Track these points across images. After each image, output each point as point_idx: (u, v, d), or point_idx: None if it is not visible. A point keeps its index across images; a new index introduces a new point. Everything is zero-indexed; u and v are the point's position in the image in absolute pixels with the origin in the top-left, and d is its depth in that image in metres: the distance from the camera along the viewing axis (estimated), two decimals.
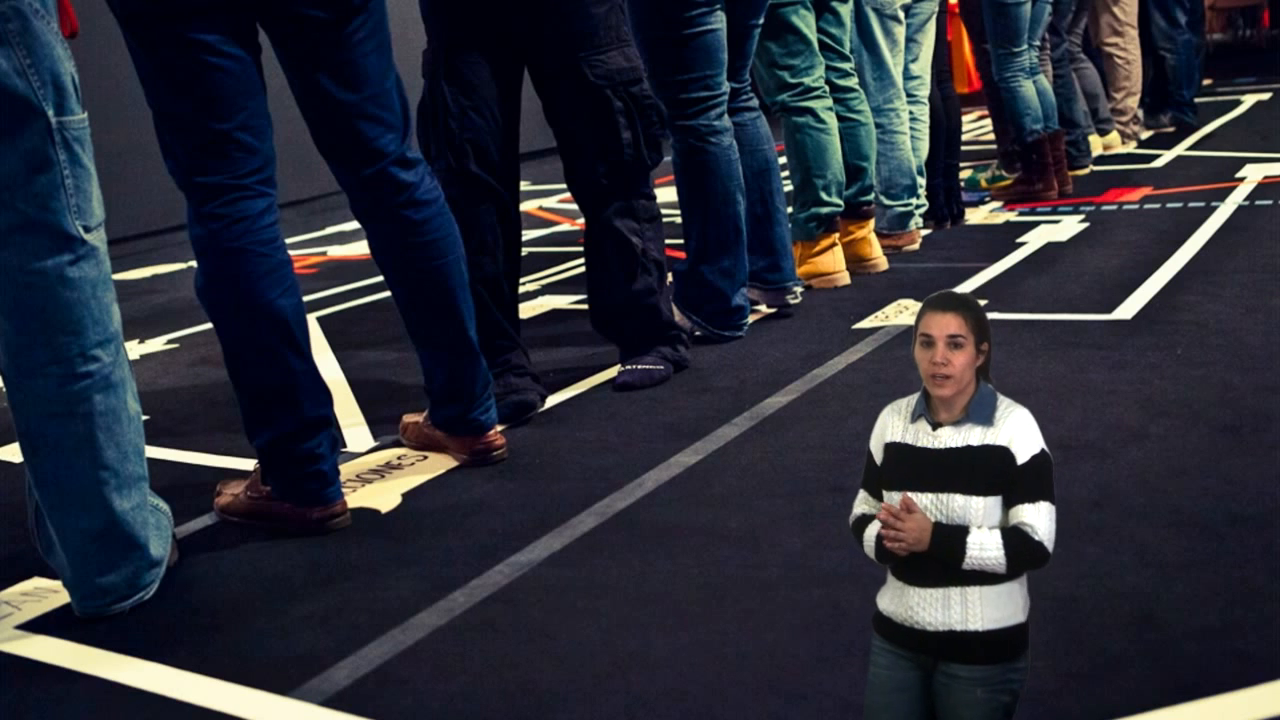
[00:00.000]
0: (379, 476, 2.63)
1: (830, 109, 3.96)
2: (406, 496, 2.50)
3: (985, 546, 1.20)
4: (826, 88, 3.96)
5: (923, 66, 4.66)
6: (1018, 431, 1.23)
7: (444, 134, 2.84)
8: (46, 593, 2.20)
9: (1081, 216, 4.94)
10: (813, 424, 2.71)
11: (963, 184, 5.34)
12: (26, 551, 2.26)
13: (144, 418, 2.67)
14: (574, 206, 5.29)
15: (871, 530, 1.27)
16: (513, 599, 2.00)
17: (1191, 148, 6.66)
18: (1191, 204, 4.99)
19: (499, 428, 2.70)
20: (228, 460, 2.85)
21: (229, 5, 2.21)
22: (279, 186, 2.37)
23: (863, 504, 1.31)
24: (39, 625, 2.08)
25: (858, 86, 4.22)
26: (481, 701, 1.70)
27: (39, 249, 1.96)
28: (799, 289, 3.72)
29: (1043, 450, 1.23)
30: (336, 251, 5.89)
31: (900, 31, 4.46)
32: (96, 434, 2.02)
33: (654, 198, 3.09)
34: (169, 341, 4.21)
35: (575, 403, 3.05)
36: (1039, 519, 1.21)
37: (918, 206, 4.59)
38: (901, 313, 3.59)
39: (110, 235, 2.12)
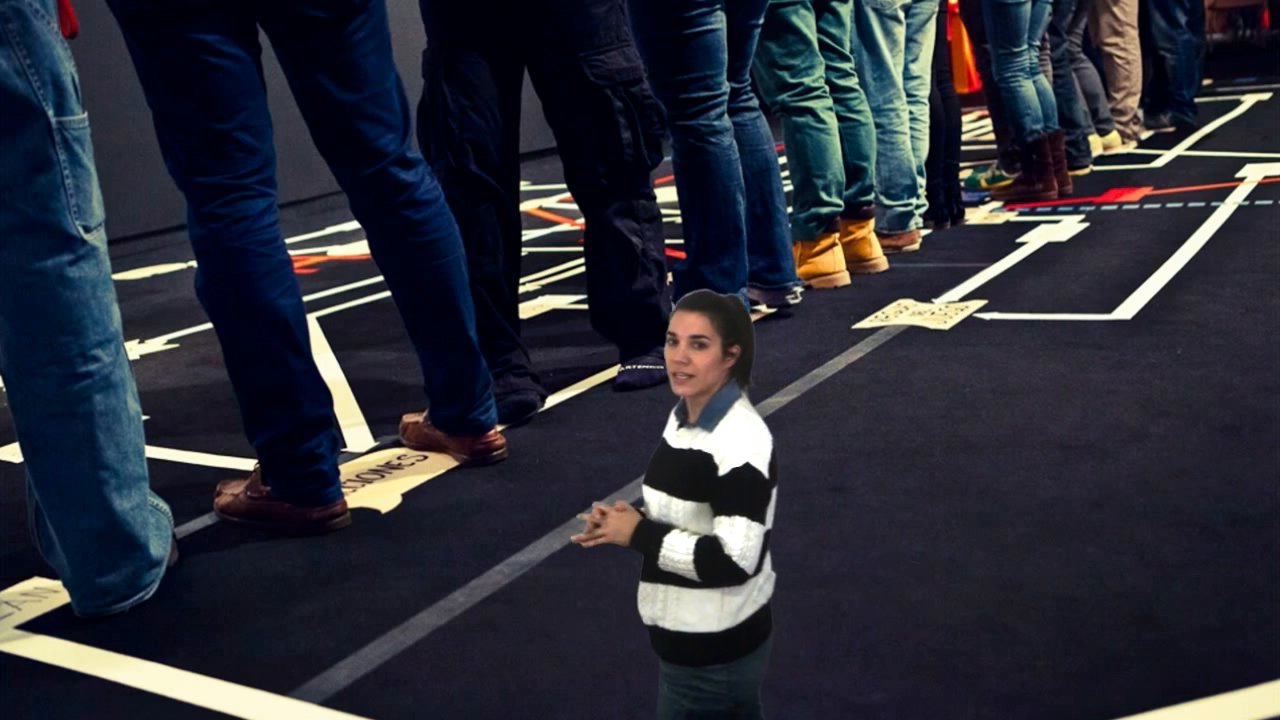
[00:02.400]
0: (379, 476, 2.63)
1: (830, 109, 3.96)
2: (406, 496, 2.50)
3: (675, 549, 1.19)
4: (826, 88, 3.96)
5: (923, 66, 4.66)
6: (728, 442, 1.19)
7: (444, 134, 2.84)
8: (46, 593, 2.20)
9: (1081, 216, 4.94)
10: (813, 424, 2.71)
11: (963, 184, 5.34)
12: (26, 551, 2.26)
13: (144, 418, 2.67)
14: (574, 206, 5.29)
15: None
16: (513, 599, 2.00)
17: (1191, 148, 6.67)
18: (1191, 204, 4.99)
19: (499, 428, 2.70)
20: (228, 460, 2.85)
21: (229, 5, 2.21)
22: (279, 186, 2.37)
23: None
24: (39, 625, 2.08)
25: (858, 86, 4.22)
26: (481, 701, 1.70)
27: (39, 249, 1.96)
28: (799, 289, 3.72)
29: (747, 465, 1.18)
30: (336, 251, 5.89)
31: (900, 31, 4.46)
32: (96, 434, 2.02)
33: (654, 198, 3.09)
34: (169, 341, 4.21)
35: (575, 403, 3.05)
36: (732, 534, 1.18)
37: (918, 206, 4.59)
38: (901, 313, 3.59)
39: (110, 235, 2.12)
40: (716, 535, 1.18)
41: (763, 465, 1.19)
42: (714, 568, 1.18)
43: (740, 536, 1.18)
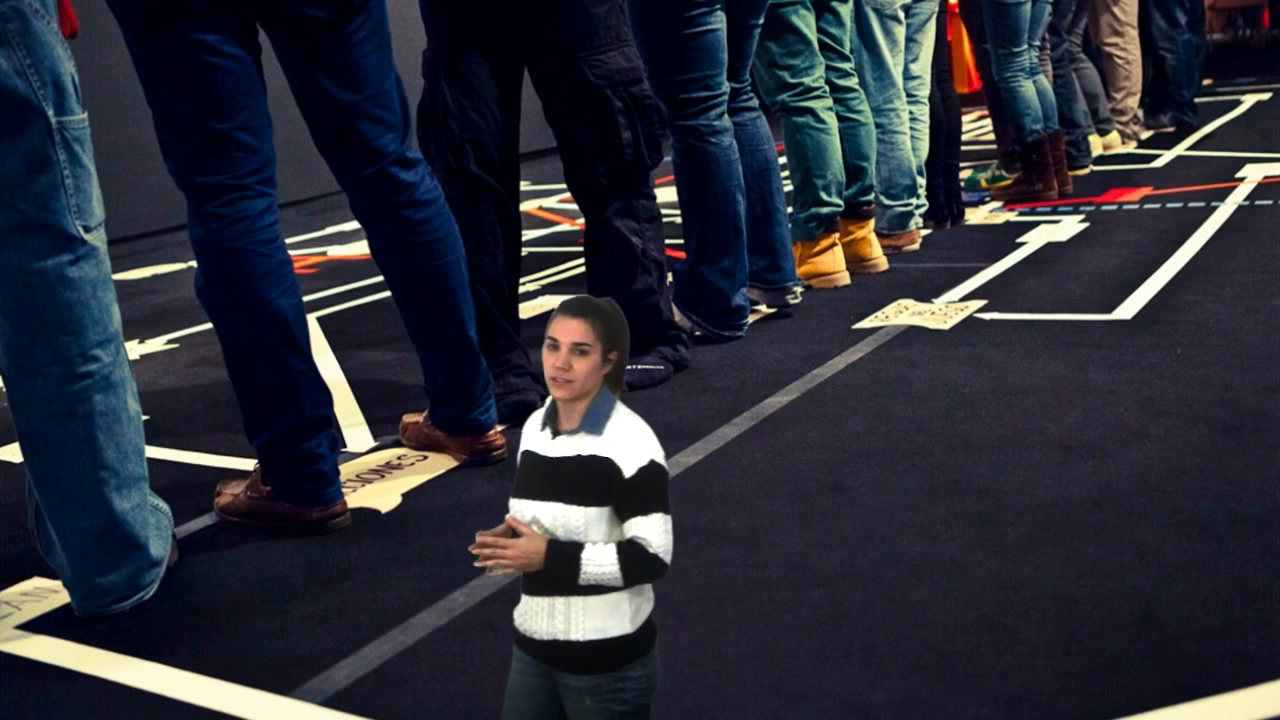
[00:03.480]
0: (379, 476, 2.63)
1: (830, 109, 3.96)
2: (406, 496, 2.50)
3: (600, 563, 1.19)
4: (826, 88, 3.96)
5: (923, 66, 4.67)
6: (625, 443, 1.20)
7: (444, 134, 2.84)
8: (46, 593, 2.20)
9: (1081, 216, 4.94)
10: (813, 424, 2.71)
11: (963, 184, 5.34)
12: (26, 551, 2.26)
13: (144, 418, 2.67)
14: (574, 206, 5.29)
15: None
16: (513, 599, 1.98)
17: (1191, 148, 6.67)
18: (1191, 204, 4.99)
19: (499, 428, 2.70)
20: (228, 460, 2.85)
21: (229, 5, 2.21)
22: (279, 186, 2.37)
23: (512, 512, 1.28)
24: (39, 625, 2.08)
25: (858, 86, 4.22)
26: (481, 701, 1.70)
27: (39, 249, 1.96)
28: (799, 289, 3.72)
29: (652, 461, 1.20)
30: (336, 251, 5.89)
31: (900, 31, 4.46)
32: (96, 434, 2.02)
33: (654, 198, 3.09)
34: (169, 341, 4.21)
35: None
36: (652, 531, 1.19)
37: (918, 206, 4.59)
38: (901, 313, 3.59)
39: (110, 235, 2.12)
40: (636, 536, 1.19)
41: (663, 460, 1.21)
42: (641, 569, 1.19)
43: (660, 532, 1.20)
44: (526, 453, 1.26)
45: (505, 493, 2.65)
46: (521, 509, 1.23)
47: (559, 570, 1.19)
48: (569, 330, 1.20)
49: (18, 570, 2.29)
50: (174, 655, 1.92)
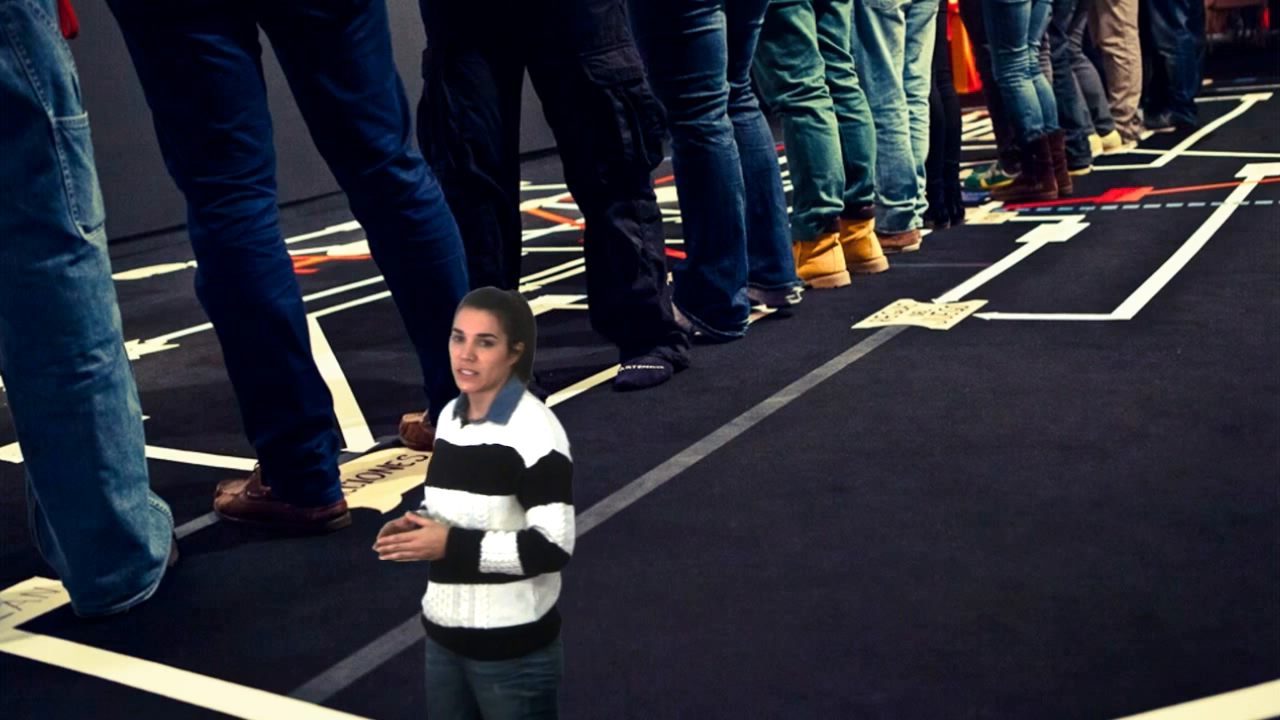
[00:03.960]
0: (379, 476, 2.63)
1: (830, 109, 3.96)
2: (406, 496, 2.50)
3: (500, 551, 1.20)
4: (826, 88, 3.96)
5: (923, 66, 4.66)
6: (527, 433, 1.21)
7: (444, 134, 2.84)
8: (46, 593, 2.20)
9: (1081, 216, 4.94)
10: (813, 424, 2.71)
11: (963, 184, 5.34)
12: (26, 551, 2.26)
13: (144, 418, 2.67)
14: (574, 206, 5.29)
15: None
16: None
17: (1191, 148, 6.67)
18: (1191, 204, 4.99)
19: None
20: (228, 460, 2.85)
21: (229, 5, 2.21)
22: (279, 186, 2.37)
23: (427, 500, 1.30)
24: (39, 625, 2.08)
25: (858, 86, 4.22)
26: None
27: (39, 249, 1.96)
28: (799, 289, 3.72)
29: (553, 452, 1.21)
30: (336, 251, 5.89)
31: (900, 31, 4.46)
32: (96, 434, 2.02)
33: (654, 198, 3.09)
34: (169, 341, 4.21)
35: (575, 403, 3.05)
36: (552, 521, 1.20)
37: (918, 206, 4.59)
38: (901, 313, 3.59)
39: (110, 235, 2.12)
40: (535, 525, 1.20)
41: (565, 450, 1.22)
42: (541, 558, 1.21)
43: (560, 521, 1.20)
44: (439, 441, 1.28)
45: None
46: (430, 497, 1.25)
47: (460, 558, 1.21)
48: (474, 322, 1.22)
49: (18, 570, 2.29)
50: (174, 655, 1.92)
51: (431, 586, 1.26)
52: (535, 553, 1.20)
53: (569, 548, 1.21)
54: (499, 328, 1.22)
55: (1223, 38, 12.65)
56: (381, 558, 1.23)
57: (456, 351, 1.22)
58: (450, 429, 1.27)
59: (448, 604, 1.24)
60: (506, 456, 1.21)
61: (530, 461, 1.21)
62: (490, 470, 1.21)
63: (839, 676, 1.67)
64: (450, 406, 1.29)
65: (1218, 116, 7.74)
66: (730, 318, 3.45)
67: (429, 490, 1.26)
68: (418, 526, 1.22)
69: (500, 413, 1.23)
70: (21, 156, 1.93)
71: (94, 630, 2.04)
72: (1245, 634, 1.70)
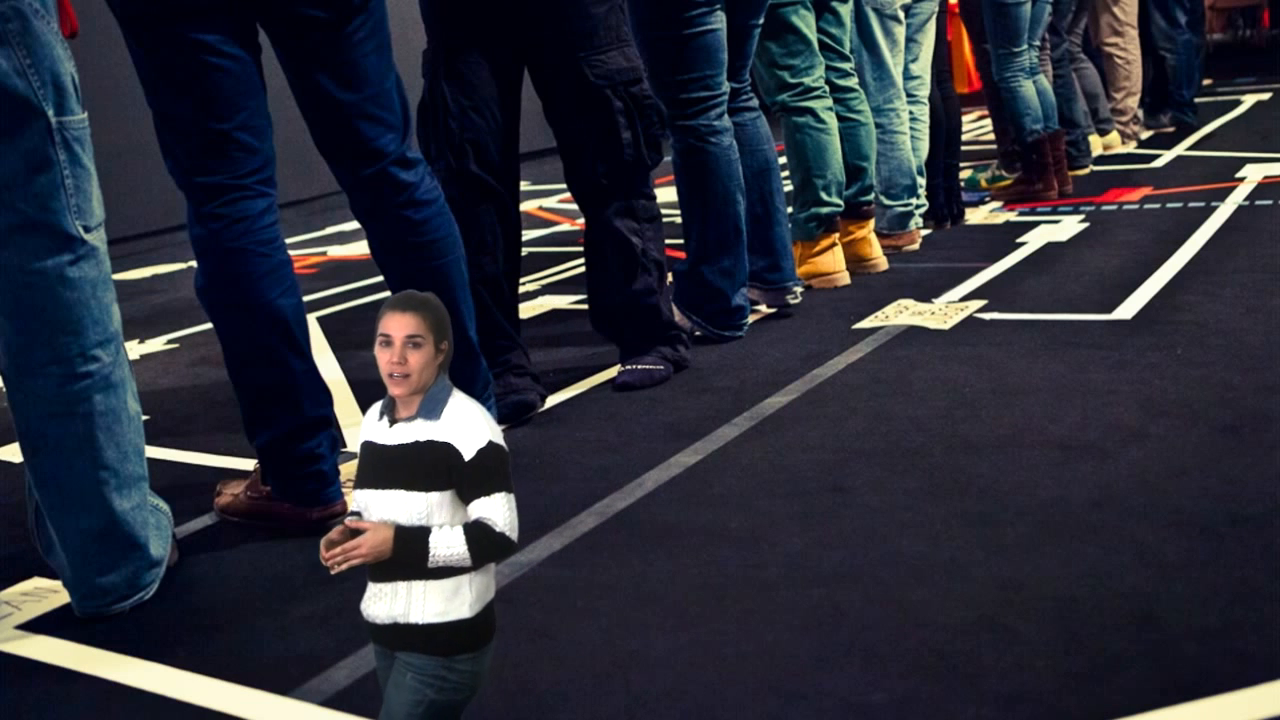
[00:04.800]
0: None
1: (830, 109, 3.96)
2: None
3: (449, 545, 1.21)
4: (826, 88, 3.96)
5: (923, 66, 4.67)
6: (462, 427, 1.23)
7: (444, 134, 2.84)
8: (46, 593, 2.20)
9: (1081, 216, 4.94)
10: (813, 424, 2.71)
11: (963, 184, 5.34)
12: (26, 551, 2.26)
13: (144, 418, 2.67)
14: (574, 206, 5.29)
15: None
16: (513, 599, 2.00)
17: (1191, 148, 6.67)
18: (1191, 204, 4.99)
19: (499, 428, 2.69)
20: (228, 460, 2.85)
21: (229, 5, 2.21)
22: (279, 186, 2.37)
23: (353, 503, 1.31)
24: (39, 625, 2.08)
25: (858, 86, 4.22)
26: (481, 701, 1.70)
27: (39, 249, 1.96)
28: (799, 289, 3.72)
29: (490, 443, 1.23)
30: (336, 251, 5.89)
31: (900, 31, 4.46)
32: (96, 434, 2.02)
33: (654, 198, 3.09)
34: (169, 341, 4.21)
35: (575, 403, 3.05)
36: (496, 510, 1.22)
37: (918, 206, 4.59)
38: (901, 313, 3.59)
39: (110, 235, 2.12)
40: (482, 517, 1.21)
41: (501, 440, 1.24)
42: (489, 549, 1.22)
43: (504, 510, 1.22)
44: (366, 443, 1.28)
45: None
46: (363, 499, 1.26)
47: (409, 557, 1.22)
48: (402, 324, 1.22)
49: (18, 570, 2.29)
50: (174, 655, 1.92)
51: (370, 586, 1.27)
52: (484, 543, 1.22)
53: (515, 535, 1.23)
54: (426, 328, 1.23)
55: (1223, 38, 12.65)
56: (332, 572, 1.24)
57: (386, 356, 1.22)
58: (378, 430, 1.27)
59: (385, 600, 1.25)
60: (444, 452, 1.22)
61: (469, 455, 1.22)
62: (427, 467, 1.22)
63: (839, 676, 1.67)
64: (375, 408, 1.29)
65: (1218, 116, 7.74)
66: (730, 318, 3.45)
67: (360, 493, 1.26)
68: (357, 532, 1.22)
69: (431, 409, 1.24)
70: (21, 156, 1.93)
71: (94, 630, 2.04)
72: (1245, 634, 1.70)
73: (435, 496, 1.23)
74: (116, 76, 4.01)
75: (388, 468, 1.24)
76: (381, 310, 1.24)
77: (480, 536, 1.22)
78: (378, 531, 1.22)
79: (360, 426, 1.30)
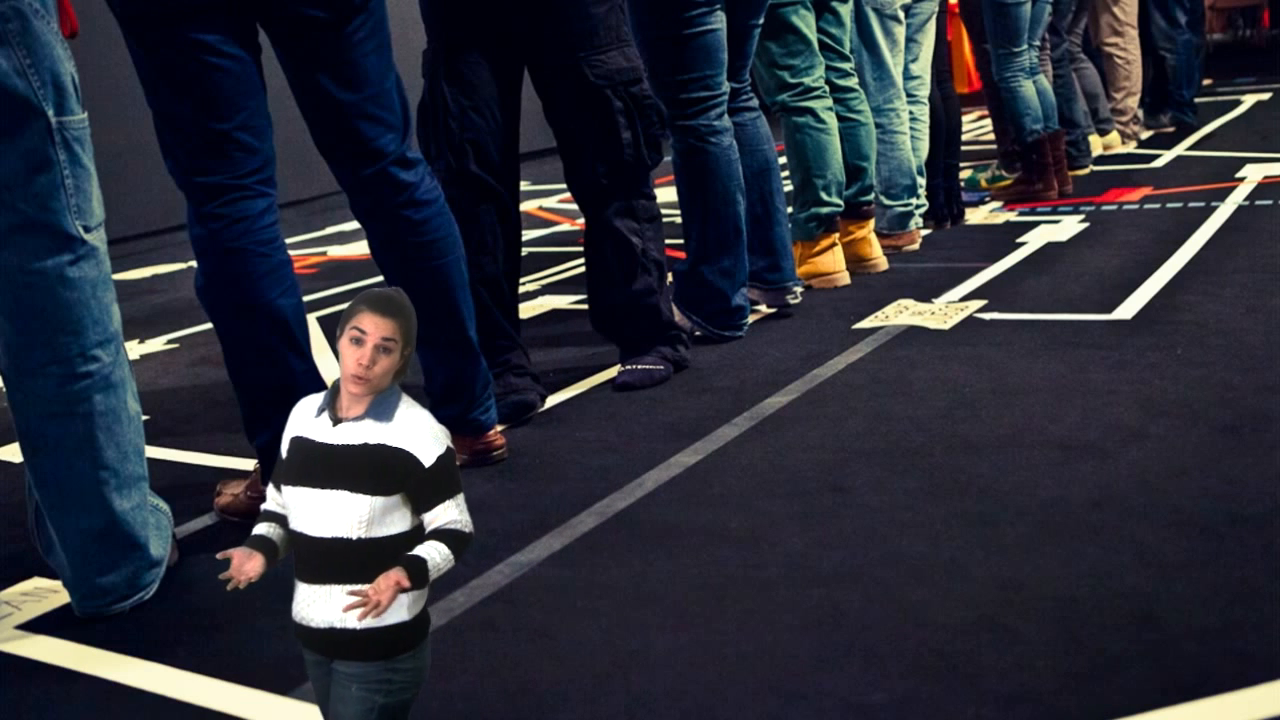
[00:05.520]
0: None
1: (830, 109, 3.96)
2: None
3: (443, 555, 1.22)
4: (826, 88, 3.96)
5: (923, 66, 4.67)
6: (418, 434, 1.22)
7: (444, 134, 2.84)
8: (46, 593, 2.20)
9: (1081, 216, 4.94)
10: (813, 424, 2.71)
11: (963, 184, 5.34)
12: (26, 551, 2.26)
13: (144, 418, 2.67)
14: (574, 206, 5.29)
15: (255, 530, 1.27)
16: (513, 599, 2.00)
17: (1191, 148, 6.67)
18: (1191, 204, 4.99)
19: (499, 428, 2.70)
20: (228, 460, 2.85)
21: (229, 6, 2.21)
22: (279, 186, 2.37)
23: (269, 500, 1.29)
24: (39, 625, 2.08)
25: (858, 86, 4.22)
26: (481, 701, 1.70)
27: (39, 249, 1.96)
28: (799, 289, 3.72)
29: (447, 449, 1.23)
30: (336, 251, 5.89)
31: (900, 31, 4.46)
32: (96, 434, 2.02)
33: (654, 198, 3.09)
34: (169, 341, 4.21)
35: (575, 403, 3.05)
36: (459, 512, 1.24)
37: (918, 206, 4.59)
38: (901, 313, 3.59)
39: (110, 235, 2.12)
40: (451, 520, 1.23)
41: (450, 443, 1.25)
42: (463, 550, 1.24)
43: (463, 510, 1.24)
44: (299, 439, 1.25)
45: (505, 493, 2.67)
46: (294, 496, 1.23)
47: (424, 583, 1.21)
48: (378, 327, 1.21)
49: (18, 570, 2.29)
50: (174, 655, 1.92)
51: (302, 588, 1.25)
52: (459, 545, 1.23)
53: (472, 530, 1.25)
54: (400, 335, 1.22)
55: (1223, 38, 12.65)
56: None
57: (355, 354, 1.21)
58: (316, 426, 1.24)
59: (320, 604, 1.24)
60: (400, 458, 1.21)
61: (429, 462, 1.22)
62: (378, 471, 1.21)
63: (839, 676, 1.67)
64: (310, 402, 1.26)
65: (1218, 116, 7.74)
66: (730, 318, 3.45)
67: (290, 491, 1.24)
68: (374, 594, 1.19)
69: (382, 412, 1.22)
70: (21, 156, 1.93)
71: (94, 630, 2.04)
72: (1245, 634, 1.70)
73: (380, 501, 1.21)
74: (116, 76, 4.01)
75: (329, 467, 1.22)
76: (356, 305, 1.22)
77: (457, 543, 1.22)
78: (387, 577, 1.19)
79: (292, 420, 1.27)
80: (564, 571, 2.09)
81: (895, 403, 2.79)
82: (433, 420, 1.24)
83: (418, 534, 1.24)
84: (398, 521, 1.22)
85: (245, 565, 1.22)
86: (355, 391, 1.22)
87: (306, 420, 1.25)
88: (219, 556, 1.24)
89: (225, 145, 2.24)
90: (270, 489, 1.28)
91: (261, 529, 1.28)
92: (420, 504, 1.22)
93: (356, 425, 1.22)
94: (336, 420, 1.23)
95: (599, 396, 3.08)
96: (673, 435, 2.71)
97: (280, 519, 1.28)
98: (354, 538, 1.21)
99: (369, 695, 1.25)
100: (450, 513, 1.23)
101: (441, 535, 1.22)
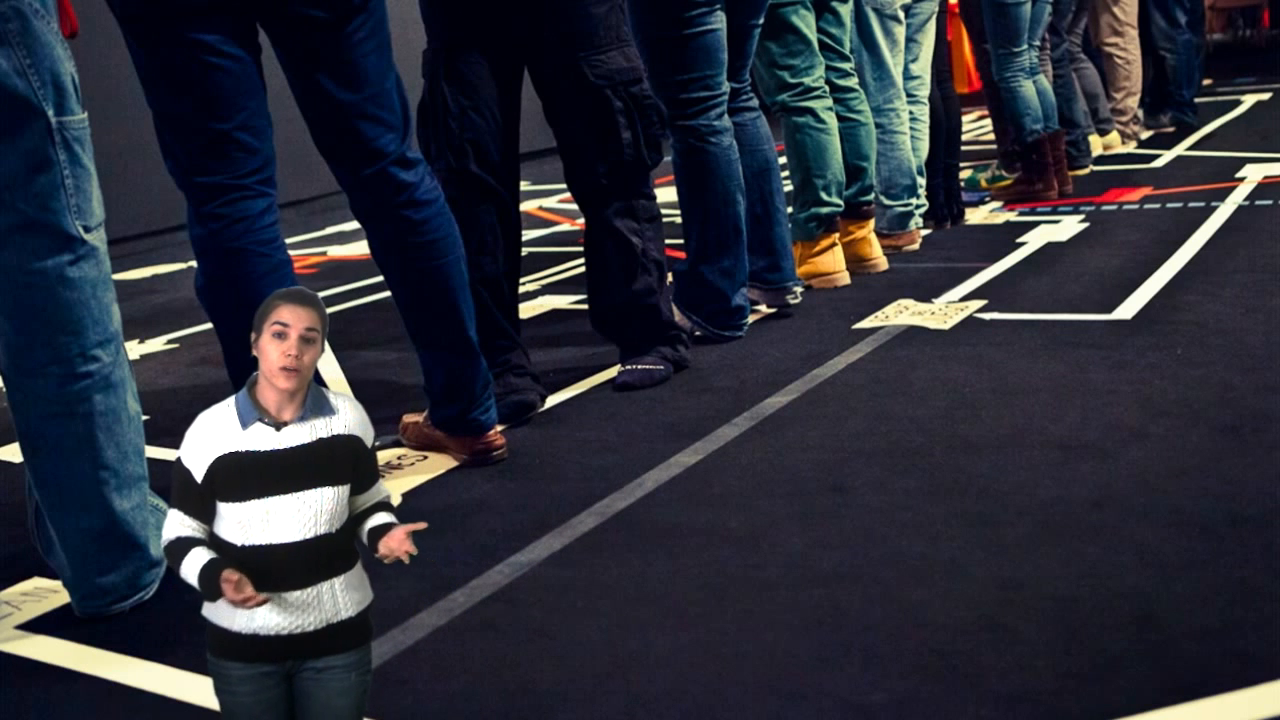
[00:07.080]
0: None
1: (830, 109, 3.96)
2: (406, 496, 2.50)
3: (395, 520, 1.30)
4: (826, 88, 3.96)
5: (923, 66, 4.66)
6: (360, 419, 1.28)
7: (444, 134, 2.84)
8: (46, 593, 2.20)
9: (1081, 216, 4.94)
10: (813, 424, 2.71)
11: (963, 184, 5.34)
12: (26, 551, 2.26)
13: (144, 418, 2.67)
14: (574, 206, 5.29)
15: (198, 558, 1.21)
16: (513, 599, 2.00)
17: (1191, 148, 6.67)
18: (1191, 204, 4.99)
19: (499, 428, 2.70)
20: None
21: (229, 5, 2.21)
22: (279, 186, 2.37)
23: (181, 527, 1.23)
24: (39, 625, 2.08)
25: (858, 86, 4.22)
26: (481, 701, 1.70)
27: (39, 249, 1.96)
28: (799, 289, 3.72)
29: (372, 428, 1.30)
30: (336, 251, 5.89)
31: (900, 31, 4.46)
32: (96, 434, 2.02)
33: (654, 198, 3.09)
34: (169, 341, 4.22)
35: (575, 403, 3.05)
36: (383, 483, 1.32)
37: (918, 206, 4.59)
38: (901, 313, 3.59)
39: (110, 235, 2.12)
40: (385, 495, 1.31)
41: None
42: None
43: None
44: (235, 455, 1.22)
45: (506, 493, 2.67)
46: (267, 506, 1.22)
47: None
48: (299, 317, 1.22)
49: (18, 570, 2.29)
50: (174, 655, 1.92)
51: (289, 597, 1.23)
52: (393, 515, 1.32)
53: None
54: (320, 324, 1.24)
55: (1223, 38, 12.65)
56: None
57: (281, 348, 1.21)
58: (252, 439, 1.22)
59: (312, 609, 1.25)
60: (353, 444, 1.26)
61: (370, 442, 1.28)
62: (341, 460, 1.25)
63: (839, 676, 1.67)
64: (222, 419, 1.23)
65: (1218, 116, 7.74)
66: (730, 318, 3.45)
67: (253, 504, 1.22)
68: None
69: (321, 407, 1.26)
70: (21, 156, 1.93)
71: (94, 630, 2.04)
72: (1245, 634, 1.70)
73: (344, 489, 1.26)
74: (116, 76, 4.01)
75: (294, 470, 1.22)
76: (271, 302, 1.23)
77: (394, 512, 1.31)
78: (401, 530, 1.27)
79: (202, 442, 1.23)
80: (564, 571, 2.09)
81: (895, 403, 2.79)
82: (358, 404, 1.30)
83: (362, 514, 1.29)
84: (348, 504, 1.28)
85: (246, 588, 1.21)
86: (286, 386, 1.22)
87: (231, 436, 1.22)
88: (232, 601, 1.21)
89: (225, 145, 2.24)
90: (182, 516, 1.23)
91: (204, 553, 1.22)
92: (364, 482, 1.28)
93: (304, 424, 1.24)
94: (279, 425, 1.23)
95: (599, 396, 3.08)
96: (673, 435, 2.71)
97: (203, 542, 1.23)
98: (334, 530, 1.25)
99: (362, 679, 1.28)
100: (383, 487, 1.31)
101: (383, 506, 1.30)
